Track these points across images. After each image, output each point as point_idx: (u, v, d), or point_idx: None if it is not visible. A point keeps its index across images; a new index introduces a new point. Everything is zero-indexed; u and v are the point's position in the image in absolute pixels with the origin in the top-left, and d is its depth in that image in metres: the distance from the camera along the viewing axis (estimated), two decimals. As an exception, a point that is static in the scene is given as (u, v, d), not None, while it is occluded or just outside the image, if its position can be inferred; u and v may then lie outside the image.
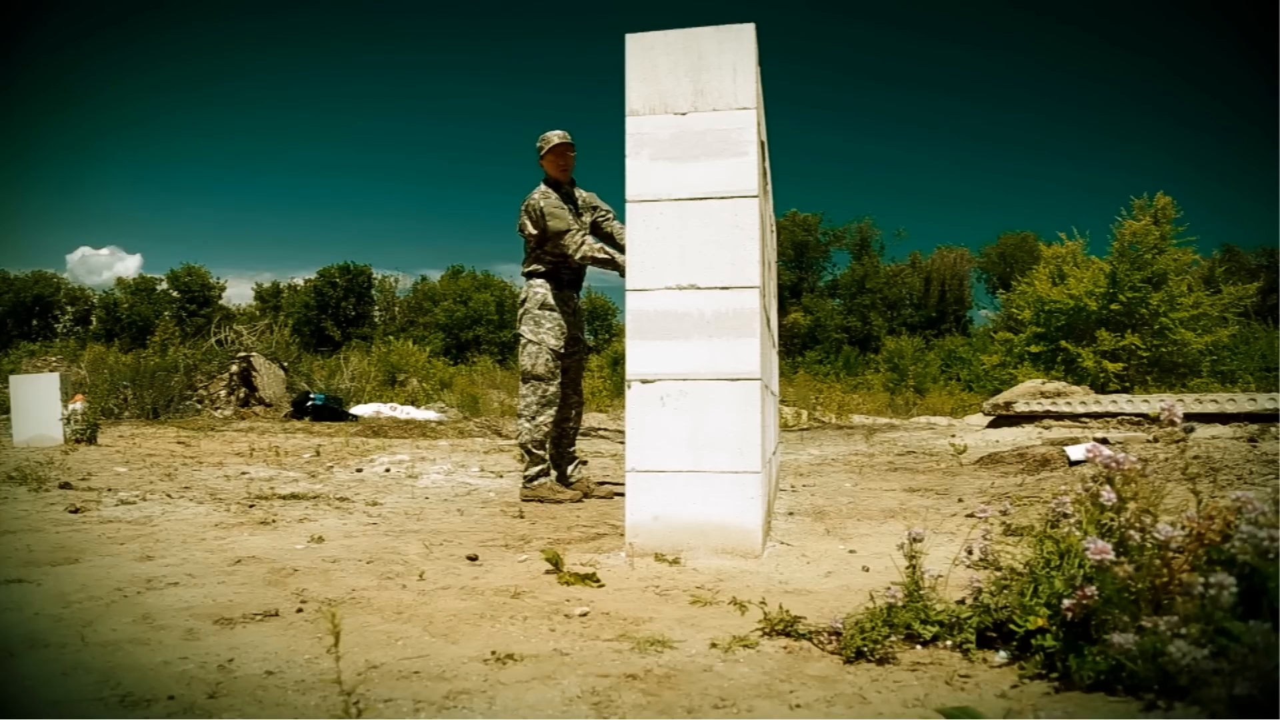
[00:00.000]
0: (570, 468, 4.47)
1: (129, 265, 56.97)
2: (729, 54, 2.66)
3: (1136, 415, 8.68)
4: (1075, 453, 4.95)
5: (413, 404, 14.47)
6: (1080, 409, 9.22)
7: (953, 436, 9.37)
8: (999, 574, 1.70)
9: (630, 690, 1.40)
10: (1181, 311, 15.58)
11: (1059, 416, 9.36)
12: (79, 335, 32.72)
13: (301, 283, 40.42)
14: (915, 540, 1.81)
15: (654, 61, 2.71)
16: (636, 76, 2.72)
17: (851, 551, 2.72)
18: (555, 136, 4.29)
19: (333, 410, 11.05)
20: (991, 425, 10.11)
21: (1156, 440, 5.17)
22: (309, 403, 11.06)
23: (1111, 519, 1.34)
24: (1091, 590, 1.30)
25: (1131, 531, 1.32)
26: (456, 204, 65.83)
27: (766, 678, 1.46)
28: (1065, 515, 1.60)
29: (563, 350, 4.29)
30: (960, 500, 4.06)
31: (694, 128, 2.66)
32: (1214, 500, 1.32)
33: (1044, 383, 11.05)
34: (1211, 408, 8.22)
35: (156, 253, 71.50)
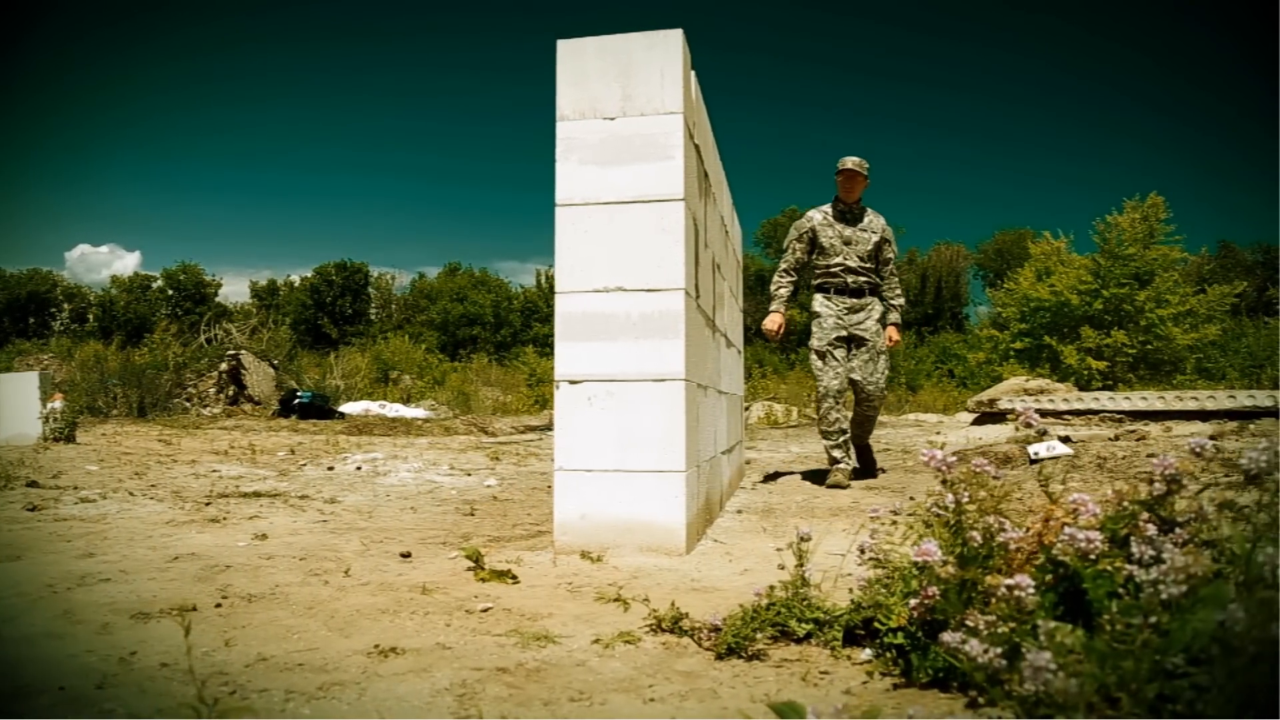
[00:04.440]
0: (839, 453, 4.76)
1: (128, 263, 57.04)
2: (657, 59, 2.70)
3: (1118, 413, 8.74)
4: (1035, 450, 4.99)
5: (405, 401, 14.54)
6: (1063, 406, 9.26)
7: (937, 434, 9.41)
8: (882, 572, 1.75)
9: (496, 684, 1.45)
10: (1168, 308, 15.59)
11: (1042, 414, 9.39)
12: (75, 333, 32.76)
13: (298, 280, 40.44)
14: (803, 539, 1.87)
15: (584, 66, 2.75)
16: (567, 81, 2.76)
17: (779, 549, 2.76)
18: (847, 162, 4.82)
19: (319, 408, 11.11)
20: (976, 423, 10.15)
21: (1118, 438, 5.21)
22: (295, 400, 11.12)
23: (955, 519, 1.38)
24: (934, 590, 1.34)
25: (973, 533, 1.36)
26: (454, 201, 65.86)
27: (634, 672, 1.51)
28: (938, 515, 1.64)
29: (823, 348, 4.81)
30: (912, 498, 4.10)
31: (622, 132, 2.70)
32: (1054, 503, 1.36)
33: (1028, 380, 11.11)
34: (1192, 405, 8.26)
35: (155, 250, 71.48)
